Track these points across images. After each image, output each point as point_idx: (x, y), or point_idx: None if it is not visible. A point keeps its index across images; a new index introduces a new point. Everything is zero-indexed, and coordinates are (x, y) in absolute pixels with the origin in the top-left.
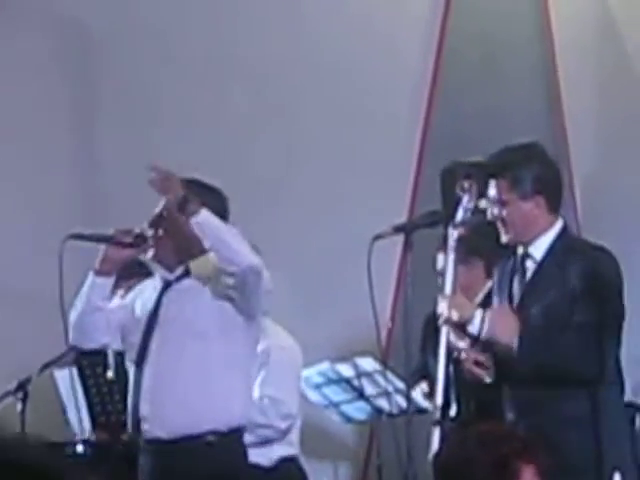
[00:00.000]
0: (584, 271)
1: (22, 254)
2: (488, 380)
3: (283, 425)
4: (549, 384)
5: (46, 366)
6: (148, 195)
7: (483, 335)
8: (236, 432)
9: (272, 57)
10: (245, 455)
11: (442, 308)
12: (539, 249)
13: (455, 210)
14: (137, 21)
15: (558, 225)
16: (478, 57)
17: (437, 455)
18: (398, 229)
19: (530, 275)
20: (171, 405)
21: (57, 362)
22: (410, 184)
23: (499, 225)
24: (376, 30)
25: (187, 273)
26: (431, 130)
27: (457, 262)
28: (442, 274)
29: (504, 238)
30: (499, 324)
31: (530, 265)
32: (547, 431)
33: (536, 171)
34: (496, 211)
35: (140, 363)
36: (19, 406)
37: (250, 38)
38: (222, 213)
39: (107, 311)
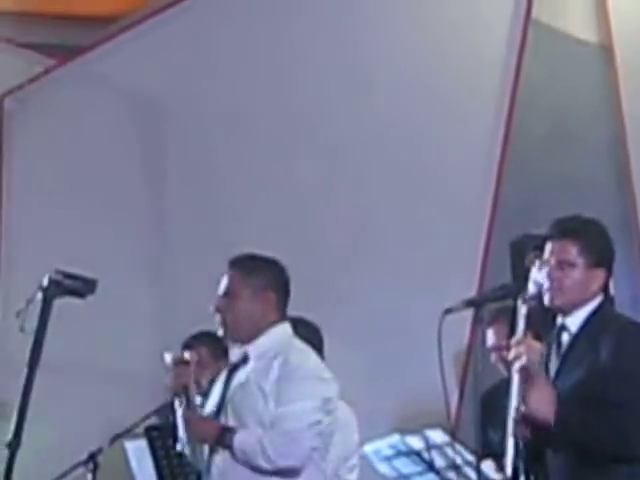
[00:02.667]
0: (615, 347)
1: (101, 328)
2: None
3: None
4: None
5: (117, 437)
6: (214, 265)
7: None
8: None
9: (343, 130)
10: None
11: (514, 352)
12: (576, 322)
13: (525, 283)
14: (206, 96)
15: (598, 299)
16: (548, 130)
17: None
18: (469, 303)
19: (564, 349)
20: None
21: (128, 433)
22: (480, 257)
23: (548, 287)
24: (446, 104)
25: (245, 359)
26: (501, 202)
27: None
28: (493, 350)
29: (549, 301)
30: (534, 399)
31: (565, 338)
32: None
33: (604, 244)
34: (555, 271)
35: (211, 452)
36: (89, 477)
37: (320, 111)
38: (282, 283)
39: None
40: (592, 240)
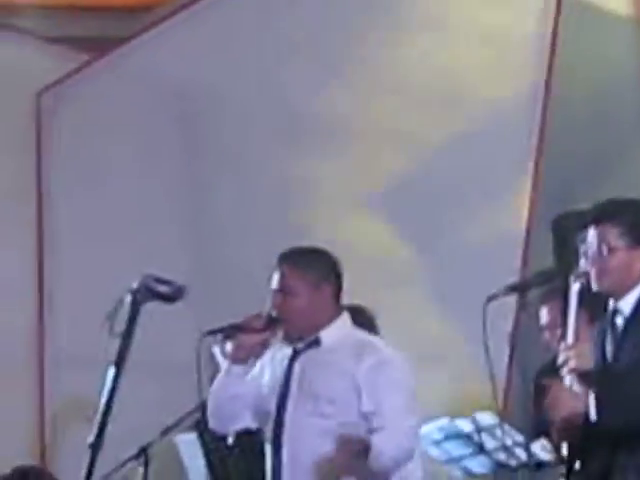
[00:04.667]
0: None
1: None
2: None
3: None
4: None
5: (167, 430)
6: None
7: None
8: None
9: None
10: None
11: (563, 357)
12: (628, 304)
13: (573, 261)
14: (241, 86)
15: None
16: (585, 106)
17: None
18: (512, 289)
19: (619, 332)
20: (309, 476)
21: (178, 426)
22: (522, 237)
23: (593, 272)
24: (479, 84)
25: (317, 341)
26: (541, 181)
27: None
28: (546, 328)
29: (596, 286)
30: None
31: (619, 321)
32: None
33: None
34: (597, 257)
35: (277, 439)
36: (141, 471)
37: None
38: (336, 275)
39: (245, 393)
40: (631, 221)
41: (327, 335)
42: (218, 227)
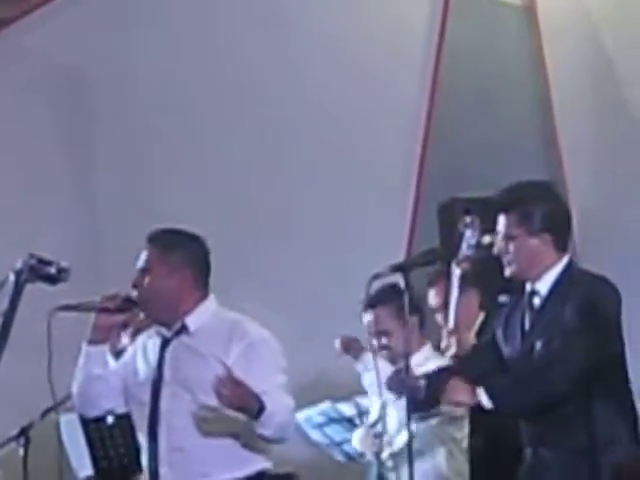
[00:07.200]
0: (580, 304)
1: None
2: None
3: None
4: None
5: (47, 411)
6: (142, 242)
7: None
8: (260, 476)
9: (270, 103)
10: None
11: (445, 343)
12: (545, 285)
13: (457, 246)
14: (133, 67)
15: (564, 261)
16: (473, 93)
17: None
18: (396, 268)
19: (536, 311)
20: (190, 464)
21: (58, 407)
22: (407, 221)
23: (504, 260)
24: (370, 71)
25: (184, 328)
26: (427, 167)
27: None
28: (437, 311)
29: (507, 272)
30: (451, 394)
31: (537, 301)
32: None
33: (545, 209)
34: (502, 245)
35: (152, 428)
36: (21, 452)
37: (248, 86)
38: (200, 259)
39: (107, 376)
40: (529, 207)
41: (192, 321)
42: (103, 208)
